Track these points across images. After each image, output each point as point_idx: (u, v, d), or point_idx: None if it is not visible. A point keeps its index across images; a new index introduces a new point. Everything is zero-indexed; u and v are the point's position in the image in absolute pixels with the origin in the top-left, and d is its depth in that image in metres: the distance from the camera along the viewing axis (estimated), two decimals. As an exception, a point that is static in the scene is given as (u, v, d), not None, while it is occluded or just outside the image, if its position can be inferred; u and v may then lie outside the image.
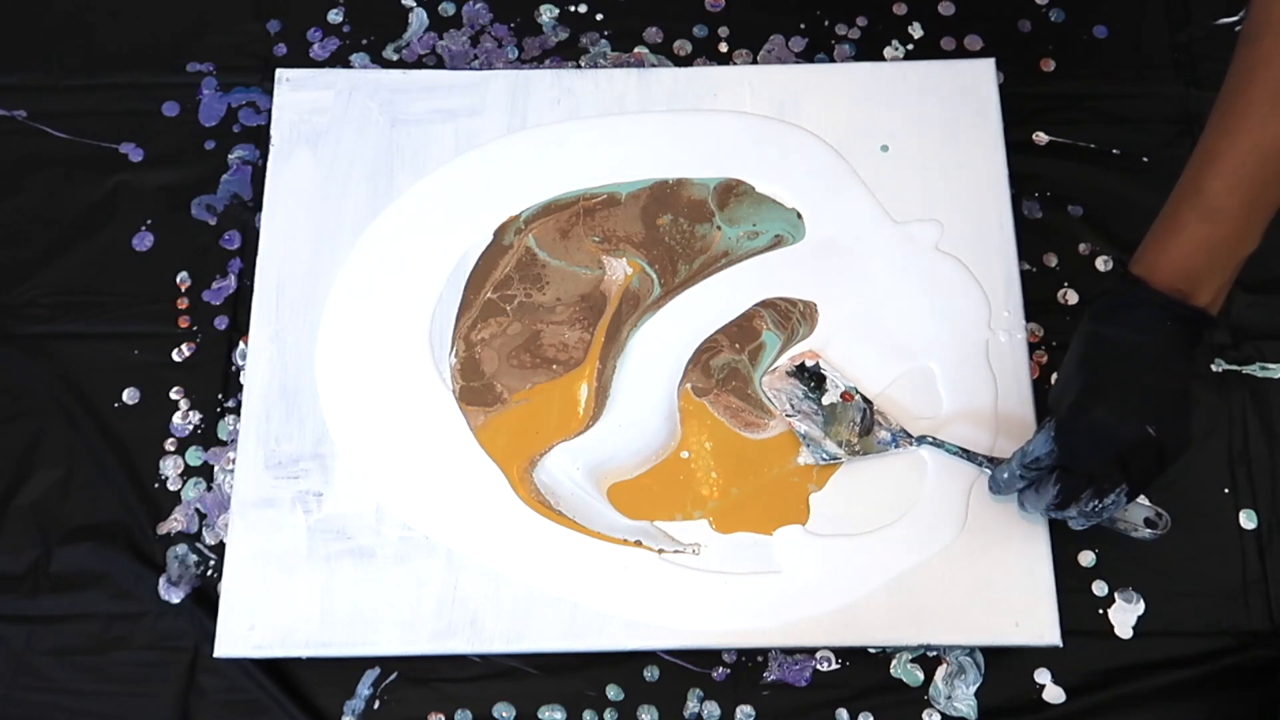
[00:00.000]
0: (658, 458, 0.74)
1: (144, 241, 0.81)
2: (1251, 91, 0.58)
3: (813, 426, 0.71)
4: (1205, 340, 0.61)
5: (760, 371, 0.75)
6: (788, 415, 0.72)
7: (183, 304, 0.79)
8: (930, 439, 0.71)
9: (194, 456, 0.76)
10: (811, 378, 0.72)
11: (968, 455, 0.70)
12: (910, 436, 0.71)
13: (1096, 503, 0.62)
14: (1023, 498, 0.67)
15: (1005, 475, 0.67)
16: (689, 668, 0.71)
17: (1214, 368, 0.76)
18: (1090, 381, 0.61)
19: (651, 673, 0.71)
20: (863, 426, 0.71)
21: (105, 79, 0.85)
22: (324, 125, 0.82)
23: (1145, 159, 0.82)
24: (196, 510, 0.75)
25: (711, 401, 0.75)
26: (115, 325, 0.79)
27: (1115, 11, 0.86)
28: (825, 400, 0.72)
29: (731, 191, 0.80)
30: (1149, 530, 0.68)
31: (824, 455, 0.72)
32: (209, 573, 0.73)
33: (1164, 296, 0.60)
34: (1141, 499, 0.68)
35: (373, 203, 0.80)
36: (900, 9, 0.86)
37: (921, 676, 0.70)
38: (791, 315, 0.77)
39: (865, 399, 0.73)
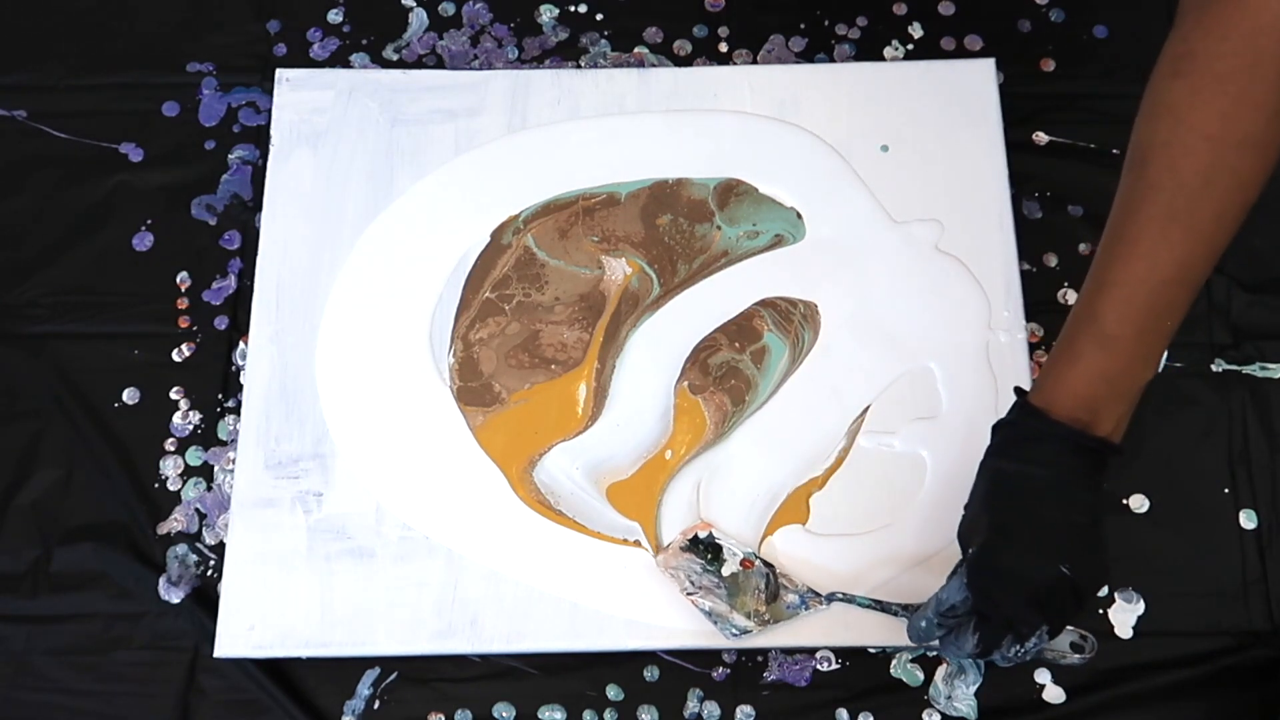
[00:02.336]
0: (649, 455, 0.74)
1: (144, 241, 0.81)
2: (1141, 218, 0.56)
3: (717, 601, 0.68)
4: (1111, 469, 0.59)
5: (765, 379, 0.75)
6: (688, 594, 0.68)
7: (183, 304, 0.79)
8: (840, 595, 0.68)
9: (194, 456, 0.76)
10: (707, 549, 0.70)
11: (880, 606, 0.67)
12: (819, 596, 0.68)
13: (1019, 648, 0.59)
14: (942, 646, 0.63)
15: (922, 624, 0.63)
16: (689, 668, 0.71)
17: (1214, 368, 0.76)
18: (996, 521, 0.59)
19: (651, 673, 0.71)
20: (768, 593, 0.69)
21: (105, 79, 0.85)
22: (324, 125, 0.82)
23: (1145, 159, 0.81)
24: (196, 510, 0.75)
25: (705, 400, 0.75)
26: (115, 325, 0.79)
27: (1115, 11, 0.86)
28: (725, 571, 0.69)
29: (731, 191, 0.80)
30: (1077, 655, 0.65)
31: (733, 630, 0.68)
32: (209, 573, 0.73)
33: (1064, 428, 0.58)
34: None
35: (373, 203, 0.80)
36: (900, 9, 0.86)
37: (921, 676, 0.70)
38: (792, 316, 0.77)
39: (766, 563, 0.70)
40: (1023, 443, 0.60)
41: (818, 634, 0.69)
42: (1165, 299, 0.57)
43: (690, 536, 0.70)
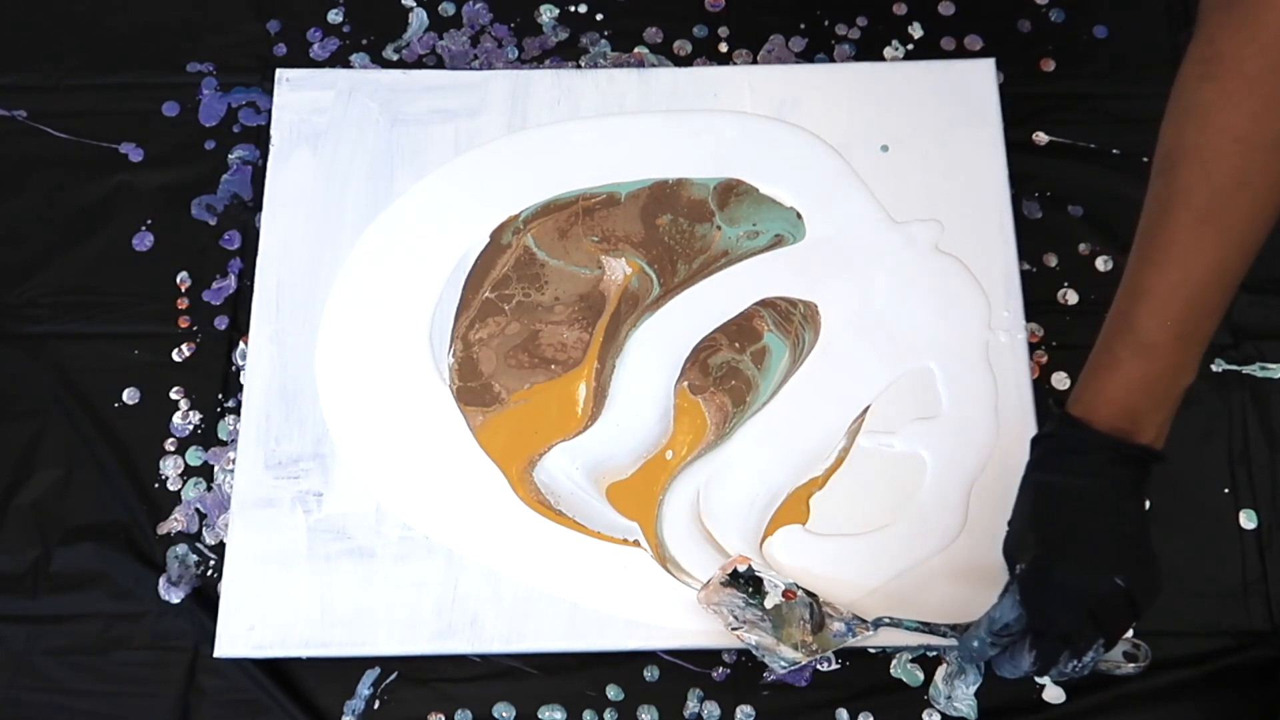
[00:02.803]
0: (649, 456, 0.74)
1: (144, 241, 0.81)
2: (1174, 222, 0.56)
3: (763, 635, 0.68)
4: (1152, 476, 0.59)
5: (766, 379, 0.75)
6: (733, 629, 0.68)
7: (183, 304, 0.79)
8: (887, 619, 0.67)
9: (194, 456, 0.76)
10: (748, 583, 0.69)
11: (928, 628, 0.66)
12: (865, 622, 0.68)
13: (1076, 663, 0.59)
14: (997, 664, 0.62)
15: (975, 644, 0.62)
16: (689, 668, 0.71)
17: (1214, 368, 0.76)
18: (1045, 537, 0.59)
19: (651, 673, 0.71)
20: (813, 623, 0.68)
21: (105, 79, 0.85)
22: (324, 125, 0.82)
23: (1145, 159, 0.80)
24: (196, 510, 0.75)
25: (706, 400, 0.75)
26: (115, 325, 0.79)
27: (1115, 11, 0.86)
28: (768, 604, 0.68)
29: (731, 191, 0.80)
30: (1131, 665, 0.65)
31: (782, 663, 0.67)
32: (209, 573, 0.73)
33: (1106, 437, 0.57)
34: None
35: (373, 203, 0.80)
36: (900, 9, 0.86)
37: (921, 676, 0.70)
38: (792, 316, 0.77)
39: (808, 593, 0.69)
40: (1065, 455, 0.59)
41: (818, 634, 0.70)
42: (1202, 303, 0.56)
43: (729, 571, 0.70)
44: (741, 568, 0.70)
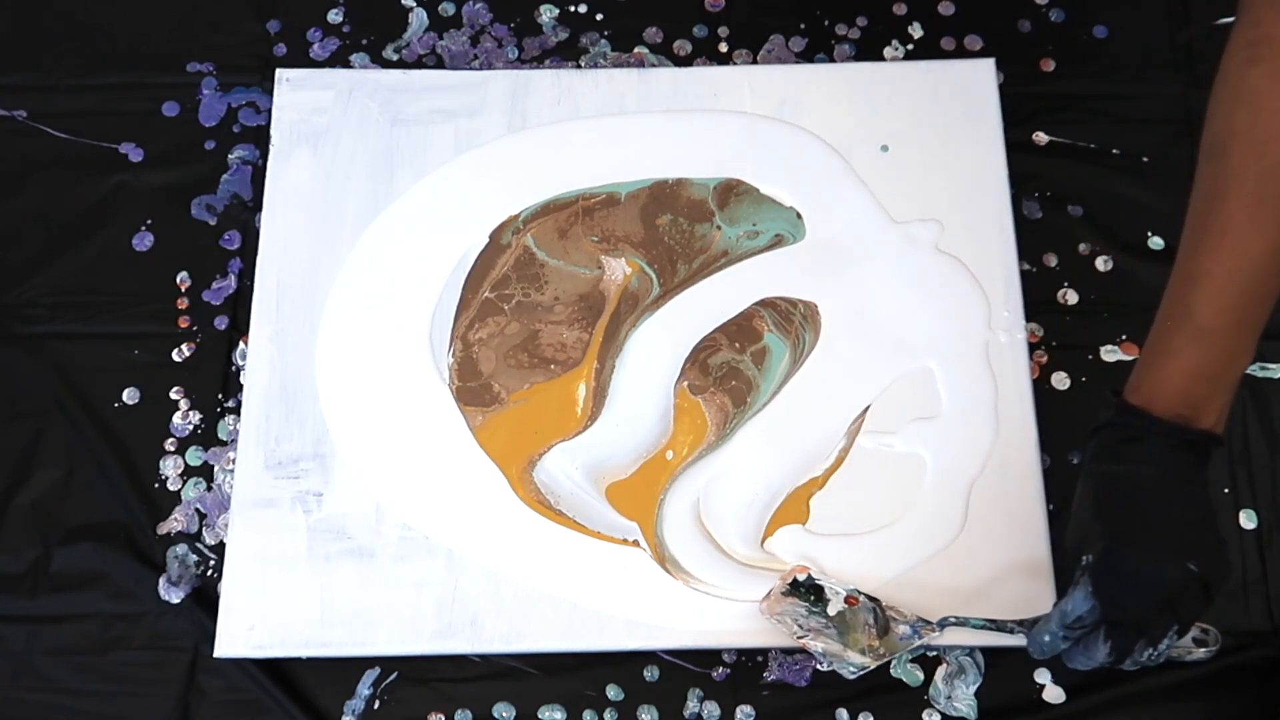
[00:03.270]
0: (649, 455, 0.74)
1: (144, 241, 0.81)
2: (1227, 208, 0.56)
3: (829, 642, 0.67)
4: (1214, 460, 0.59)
5: (767, 380, 0.75)
6: (799, 638, 0.67)
7: (183, 304, 0.79)
8: (953, 619, 0.67)
9: (194, 456, 0.76)
10: (809, 591, 0.69)
11: (996, 626, 0.66)
12: (930, 623, 0.67)
13: (1151, 651, 0.58)
14: (1069, 657, 0.61)
15: (1046, 639, 0.61)
16: (689, 668, 0.71)
17: (1214, 368, 0.76)
18: (1114, 527, 0.58)
19: (651, 673, 0.71)
20: (878, 627, 0.68)
21: (105, 79, 0.85)
22: (324, 125, 0.82)
23: (1145, 159, 0.82)
24: (196, 510, 0.75)
25: (706, 400, 0.75)
26: (115, 325, 0.79)
27: (1115, 11, 0.86)
28: (831, 611, 0.68)
29: (731, 191, 0.80)
30: (1202, 650, 0.64)
31: (851, 669, 0.67)
32: (209, 573, 0.73)
33: (1168, 425, 0.57)
34: None
35: (373, 203, 0.80)
36: (900, 9, 0.86)
37: (921, 676, 0.70)
38: (792, 316, 0.77)
39: (870, 598, 0.69)
40: (1126, 444, 0.59)
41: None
42: (1258, 287, 0.57)
43: (790, 581, 0.69)
44: (801, 577, 0.69)
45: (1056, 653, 0.62)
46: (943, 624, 0.67)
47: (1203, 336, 0.57)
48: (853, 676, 0.68)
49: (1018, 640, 0.65)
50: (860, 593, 0.69)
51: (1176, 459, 0.58)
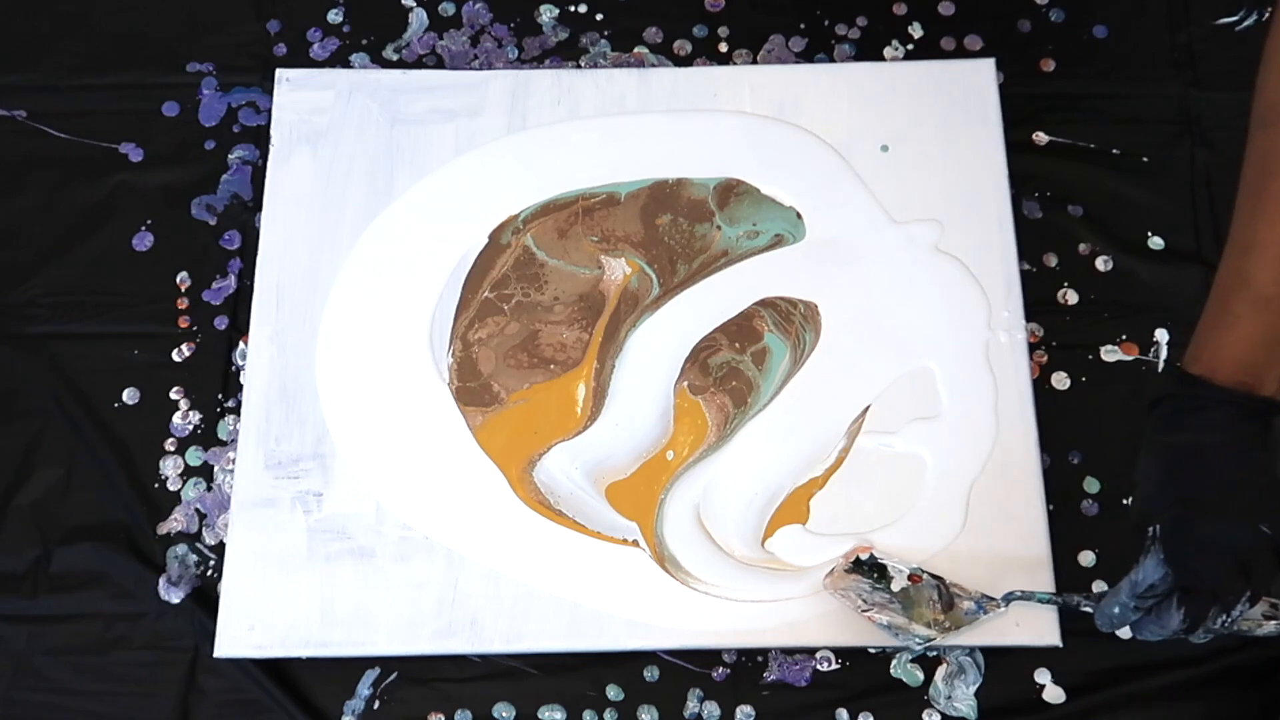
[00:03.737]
0: (649, 455, 0.74)
1: (144, 241, 0.81)
2: None
3: (894, 615, 0.68)
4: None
5: (767, 380, 0.75)
6: (863, 611, 0.68)
7: (183, 304, 0.79)
8: (1018, 594, 0.68)
9: (194, 456, 0.76)
10: (872, 569, 0.69)
11: (1062, 600, 0.67)
12: (994, 599, 0.68)
13: (1225, 617, 0.58)
14: (1139, 628, 0.61)
15: (1115, 610, 0.61)
16: (689, 668, 0.71)
17: (1214, 368, 0.76)
18: (1184, 494, 0.59)
19: (651, 673, 0.71)
20: (943, 602, 0.68)
21: (105, 79, 0.85)
22: (324, 125, 0.82)
23: (1145, 159, 0.82)
24: (196, 510, 0.75)
25: (706, 401, 0.75)
26: (115, 325, 0.79)
27: (1115, 11, 0.86)
28: (895, 588, 0.69)
29: (731, 191, 0.80)
30: (1273, 623, 0.63)
31: (917, 640, 0.67)
32: (209, 573, 0.73)
33: (1231, 393, 0.57)
34: None
35: (373, 203, 0.80)
36: (900, 9, 0.86)
37: (921, 676, 0.70)
38: (792, 316, 0.77)
39: (934, 576, 0.69)
40: (1190, 413, 0.59)
41: (818, 634, 0.69)
42: None
43: (852, 559, 0.70)
44: (864, 556, 0.70)
45: (1127, 624, 0.62)
46: (1008, 599, 0.68)
47: (1262, 305, 0.57)
48: (919, 648, 0.68)
49: (1083, 611, 0.65)
50: (924, 571, 0.69)
51: (1240, 426, 0.58)
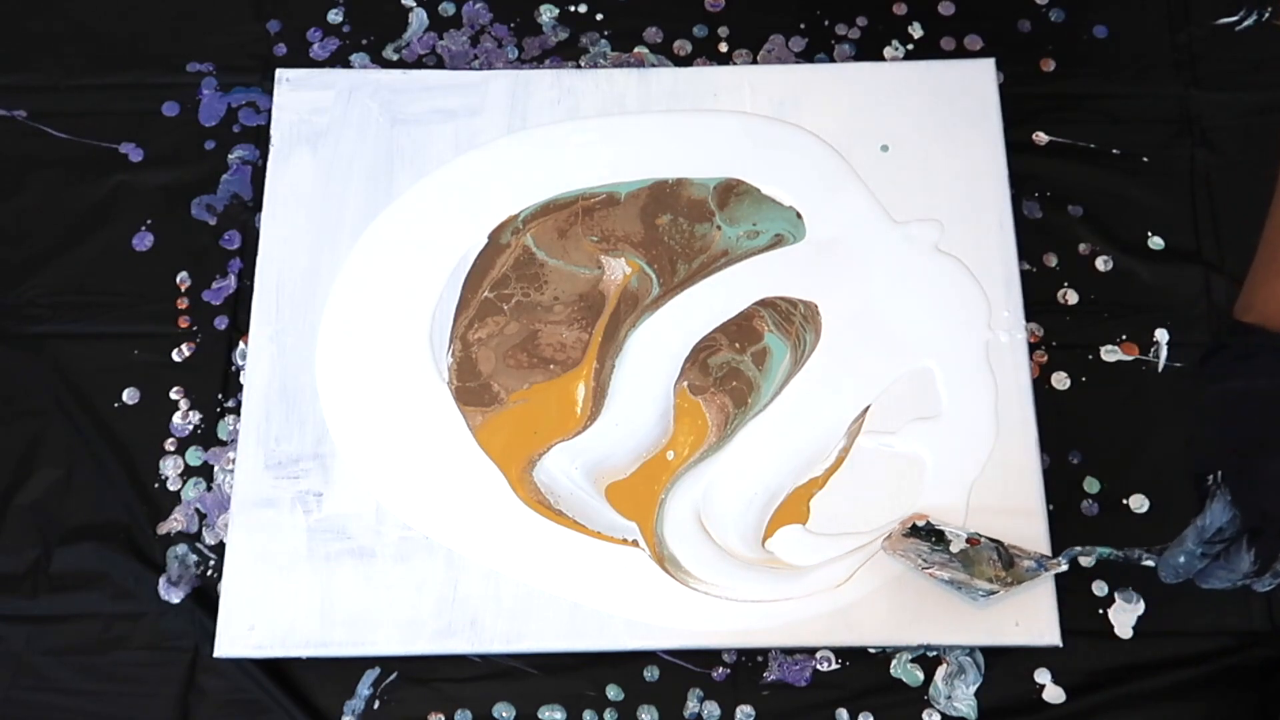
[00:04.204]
0: (649, 455, 0.74)
1: (144, 241, 0.81)
2: None
3: (955, 572, 0.68)
4: None
5: (768, 381, 0.75)
6: (924, 569, 0.69)
7: (183, 304, 0.79)
8: (1079, 549, 0.67)
9: (194, 456, 0.76)
10: (930, 534, 0.70)
11: (1124, 555, 0.66)
12: (1054, 558, 0.68)
13: None
14: (1206, 576, 0.62)
15: (1182, 559, 0.62)
16: (689, 668, 0.71)
17: (1214, 368, 0.76)
18: (1246, 436, 0.60)
19: (651, 673, 0.71)
20: (1003, 561, 0.68)
21: (105, 79, 0.85)
22: (324, 125, 0.82)
23: (1145, 159, 0.82)
24: (196, 510, 0.75)
25: (706, 401, 0.75)
26: (115, 325, 0.79)
27: (1115, 11, 0.86)
28: (954, 549, 0.69)
29: (731, 191, 0.80)
30: None
31: (980, 594, 0.68)
32: (209, 573, 0.73)
33: None
34: None
35: (373, 203, 0.80)
36: (900, 9, 0.86)
37: (921, 676, 0.70)
38: (793, 316, 0.77)
39: (991, 539, 0.69)
40: (1244, 360, 0.61)
41: (818, 634, 0.70)
42: None
43: (909, 526, 0.70)
44: (920, 523, 0.70)
45: (1191, 574, 0.62)
46: (1068, 556, 0.68)
47: None
48: (982, 600, 0.68)
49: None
50: (981, 535, 0.69)
51: None
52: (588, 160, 0.81)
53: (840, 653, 0.70)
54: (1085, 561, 0.68)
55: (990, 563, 0.69)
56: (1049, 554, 0.69)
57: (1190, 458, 0.63)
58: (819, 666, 0.70)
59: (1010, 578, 0.68)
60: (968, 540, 0.69)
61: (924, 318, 0.76)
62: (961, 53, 0.85)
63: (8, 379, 0.78)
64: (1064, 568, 0.68)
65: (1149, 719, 0.69)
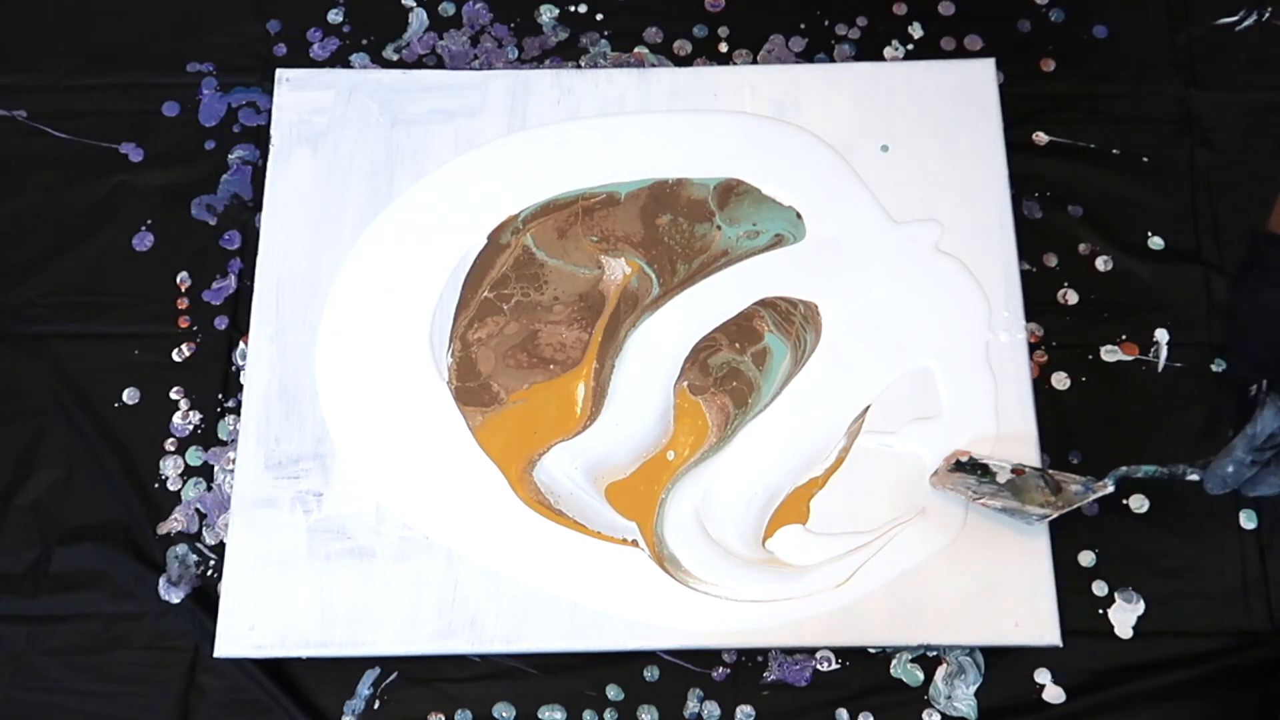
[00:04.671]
0: (649, 455, 0.74)
1: (144, 241, 0.81)
2: None
3: (1007, 500, 0.69)
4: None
5: (768, 381, 0.75)
6: (976, 499, 0.70)
7: (183, 304, 0.79)
8: (1124, 469, 0.68)
9: (194, 456, 0.76)
10: (975, 469, 0.71)
11: (1168, 472, 0.66)
12: (1099, 479, 0.69)
13: None
14: (1254, 484, 0.63)
15: (1230, 469, 0.62)
16: (689, 668, 0.71)
17: (1214, 368, 0.76)
18: None
19: (651, 673, 0.71)
20: (1051, 488, 0.69)
21: (105, 79, 0.85)
22: (324, 125, 0.82)
23: (1145, 159, 0.82)
24: (196, 510, 0.75)
25: (706, 401, 0.75)
26: (115, 325, 0.79)
27: (1115, 11, 0.86)
28: (1000, 480, 0.70)
29: (731, 191, 0.80)
30: None
31: (1032, 518, 0.69)
32: (209, 573, 0.73)
33: None
34: None
35: (373, 203, 0.80)
36: (900, 9, 0.86)
37: (921, 676, 0.70)
38: (793, 316, 0.77)
39: (1035, 468, 0.70)
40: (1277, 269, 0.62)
41: (818, 634, 0.70)
42: None
43: (954, 462, 0.71)
44: (964, 459, 0.71)
45: (1239, 483, 0.63)
46: (1114, 476, 0.68)
47: None
48: (1035, 523, 0.69)
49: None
50: (1026, 465, 0.70)
51: None
52: (588, 160, 0.81)
53: (840, 653, 0.71)
54: (1134, 475, 0.68)
55: (1038, 489, 0.69)
56: (1097, 477, 0.69)
57: (1231, 371, 0.65)
58: (819, 666, 0.70)
59: (1060, 501, 0.69)
60: (1013, 471, 0.70)
61: (924, 318, 0.76)
62: (961, 53, 0.85)
63: (8, 379, 0.78)
64: (1111, 489, 0.68)
65: (1149, 719, 0.69)
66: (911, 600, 0.70)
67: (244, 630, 0.70)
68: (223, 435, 0.76)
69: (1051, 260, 0.79)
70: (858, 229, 0.78)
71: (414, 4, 0.87)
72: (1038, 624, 0.69)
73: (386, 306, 0.77)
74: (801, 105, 0.82)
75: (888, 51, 0.85)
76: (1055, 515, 0.69)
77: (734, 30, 0.86)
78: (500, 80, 0.83)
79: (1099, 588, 0.72)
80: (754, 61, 0.85)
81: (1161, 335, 0.77)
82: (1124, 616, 0.71)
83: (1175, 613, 0.71)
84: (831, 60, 0.85)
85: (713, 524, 0.72)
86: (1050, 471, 0.70)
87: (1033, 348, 0.76)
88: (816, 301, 0.77)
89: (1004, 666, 0.70)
